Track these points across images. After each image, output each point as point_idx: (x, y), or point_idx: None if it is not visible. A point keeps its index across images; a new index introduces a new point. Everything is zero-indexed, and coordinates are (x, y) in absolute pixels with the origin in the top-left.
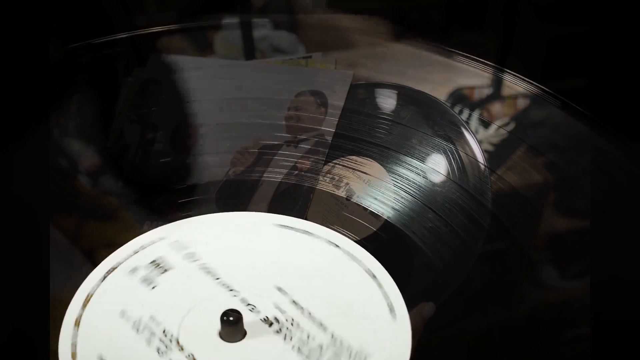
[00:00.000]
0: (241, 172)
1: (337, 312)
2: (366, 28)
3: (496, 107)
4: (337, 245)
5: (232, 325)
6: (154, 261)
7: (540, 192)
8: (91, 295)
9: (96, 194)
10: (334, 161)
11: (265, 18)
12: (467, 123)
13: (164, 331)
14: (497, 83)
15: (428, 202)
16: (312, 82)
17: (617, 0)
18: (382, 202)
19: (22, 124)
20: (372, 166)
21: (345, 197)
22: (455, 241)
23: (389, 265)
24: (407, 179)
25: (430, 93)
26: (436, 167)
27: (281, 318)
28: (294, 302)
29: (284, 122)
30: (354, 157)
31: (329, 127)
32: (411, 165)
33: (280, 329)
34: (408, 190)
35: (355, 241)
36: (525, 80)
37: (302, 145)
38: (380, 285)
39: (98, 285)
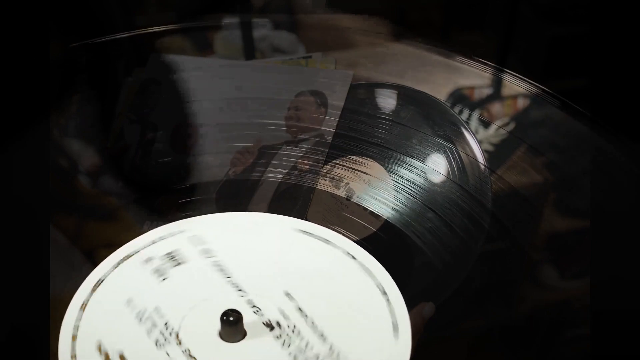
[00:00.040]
0: (241, 172)
1: (340, 325)
2: (366, 28)
3: (496, 107)
4: (353, 257)
5: (231, 326)
6: (169, 253)
7: (540, 192)
8: (102, 281)
9: (96, 194)
10: (334, 161)
11: (265, 18)
12: (467, 123)
13: (165, 324)
14: (497, 83)
15: (428, 202)
16: (312, 82)
17: (617, 0)
18: (382, 202)
19: (22, 124)
20: (372, 166)
21: (345, 197)
22: (455, 241)
23: (389, 265)
24: (407, 179)
25: (430, 93)
26: (436, 167)
27: (283, 324)
28: (299, 309)
29: (284, 122)
30: (354, 157)
31: (329, 127)
32: (411, 165)
33: (280, 335)
34: (408, 190)
35: (355, 241)
36: (525, 80)
37: (302, 145)
38: (389, 302)
39: (111, 272)
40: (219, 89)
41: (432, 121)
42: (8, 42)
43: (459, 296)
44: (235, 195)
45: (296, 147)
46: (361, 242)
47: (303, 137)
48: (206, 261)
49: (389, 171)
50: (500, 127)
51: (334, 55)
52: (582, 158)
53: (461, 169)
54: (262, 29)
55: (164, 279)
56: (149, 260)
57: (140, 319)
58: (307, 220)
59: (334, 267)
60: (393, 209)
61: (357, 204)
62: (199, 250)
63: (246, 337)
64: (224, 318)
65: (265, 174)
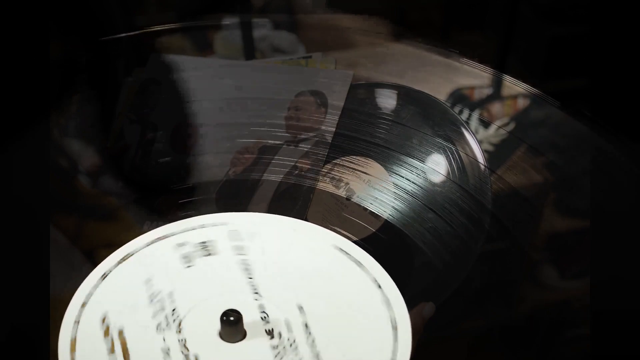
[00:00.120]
0: (241, 172)
1: (340, 349)
2: (366, 28)
3: (496, 107)
4: (379, 286)
5: (230, 326)
6: (203, 242)
7: (540, 192)
8: (130, 255)
9: (96, 194)
10: (334, 161)
11: (265, 18)
12: (467, 123)
13: (173, 310)
14: (497, 83)
15: (428, 202)
16: (312, 82)
17: (617, 0)
18: (382, 202)
19: (22, 124)
20: (372, 166)
21: (345, 197)
22: (455, 241)
23: (389, 265)
24: (407, 179)
25: (430, 93)
26: (436, 167)
27: (284, 335)
28: (306, 325)
29: (284, 122)
30: (354, 157)
31: (329, 127)
32: (411, 165)
33: (277, 345)
34: (408, 190)
35: (354, 241)
36: (525, 80)
37: (302, 145)
38: (395, 338)
39: (141, 249)
40: (219, 89)
41: (432, 121)
42: (8, 42)
43: (459, 296)
44: (235, 195)
45: (296, 147)
46: (361, 243)
47: (303, 137)
48: (235, 258)
49: (389, 171)
50: (500, 127)
51: (334, 55)
52: (582, 158)
53: (461, 169)
54: (262, 29)
55: (188, 266)
56: (182, 244)
57: (152, 300)
58: (306, 220)
59: (357, 295)
60: (393, 209)
61: (357, 204)
62: (233, 246)
63: (245, 339)
64: (224, 318)
65: (265, 174)
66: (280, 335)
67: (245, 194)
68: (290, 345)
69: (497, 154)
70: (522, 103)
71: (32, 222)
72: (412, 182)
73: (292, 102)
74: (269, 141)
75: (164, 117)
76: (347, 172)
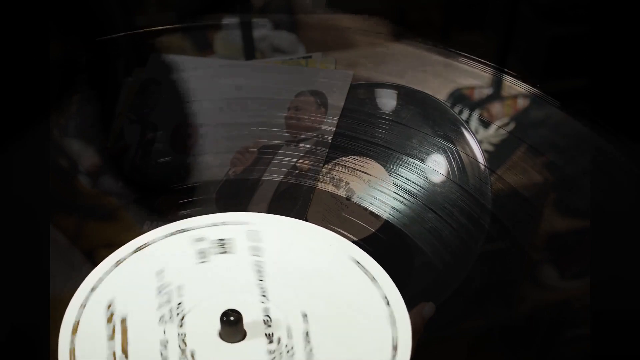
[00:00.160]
0: (241, 172)
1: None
2: (366, 28)
3: (496, 107)
4: (388, 303)
5: (230, 326)
6: (221, 239)
7: (540, 192)
8: (147, 245)
9: (96, 194)
10: (334, 161)
11: (265, 18)
12: (467, 123)
13: (179, 304)
14: (497, 83)
15: (428, 202)
16: (312, 82)
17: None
18: (382, 202)
19: (22, 124)
20: (372, 166)
21: (345, 197)
22: (455, 241)
23: (389, 265)
24: (407, 179)
25: (430, 93)
26: (436, 167)
27: (283, 342)
28: (306, 334)
29: (284, 122)
30: (354, 157)
31: (329, 127)
32: (411, 165)
33: (274, 350)
34: (408, 190)
35: (354, 242)
36: (525, 80)
37: (302, 145)
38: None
39: (159, 239)
40: (219, 89)
41: (432, 121)
42: (8, 42)
43: (459, 296)
44: (235, 195)
45: (296, 147)
46: (360, 243)
47: (303, 137)
48: (250, 258)
49: (389, 171)
50: (500, 127)
51: (334, 55)
52: (582, 158)
53: (461, 169)
54: (262, 29)
55: (202, 262)
56: (200, 239)
57: (160, 292)
58: (306, 220)
59: (364, 311)
60: (393, 208)
61: (357, 204)
62: (250, 246)
63: (244, 340)
64: (224, 318)
65: (265, 174)
66: (279, 340)
67: (245, 194)
68: (287, 352)
69: (497, 154)
70: (522, 103)
71: (32, 222)
72: (412, 182)
73: (292, 102)
74: (269, 141)
75: (164, 117)
76: (347, 172)
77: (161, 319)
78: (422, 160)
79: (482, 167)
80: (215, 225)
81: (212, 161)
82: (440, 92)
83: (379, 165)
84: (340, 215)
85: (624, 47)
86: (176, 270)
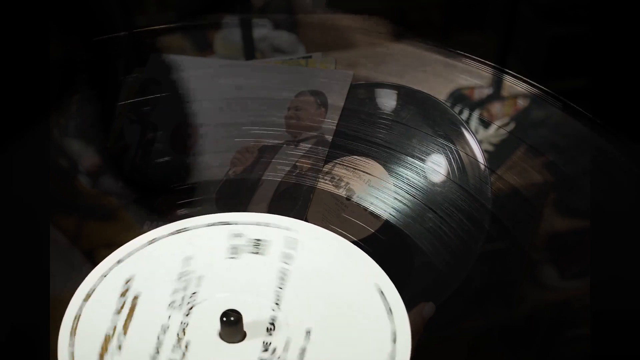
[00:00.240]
0: (241, 172)
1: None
2: (366, 28)
3: (496, 107)
4: (395, 341)
5: (229, 326)
6: (258, 240)
7: (540, 192)
8: (185, 230)
9: (96, 194)
10: (334, 161)
11: (265, 18)
12: (467, 123)
13: (193, 294)
14: (497, 83)
15: (428, 202)
16: (312, 82)
17: (617, 0)
18: (382, 202)
19: (22, 124)
20: (372, 166)
21: (345, 197)
22: (455, 241)
23: (389, 265)
24: (407, 179)
25: (430, 93)
26: (436, 167)
27: (277, 353)
28: (303, 350)
29: (284, 122)
30: (354, 157)
31: (329, 127)
32: (411, 165)
33: (265, 359)
34: (408, 190)
35: (353, 242)
36: (525, 80)
37: (302, 145)
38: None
39: (199, 227)
40: (219, 89)
41: (432, 121)
42: (8, 42)
43: (459, 296)
44: (235, 195)
45: (296, 147)
46: (360, 243)
47: (303, 137)
48: (279, 264)
49: (389, 171)
50: (500, 127)
51: (334, 55)
52: (582, 158)
53: (461, 169)
54: (262, 29)
55: (232, 258)
56: (238, 235)
57: (180, 278)
58: (306, 220)
59: (368, 341)
60: (393, 209)
61: (357, 204)
62: (283, 253)
63: (241, 342)
64: (223, 318)
65: (265, 174)
66: (274, 350)
67: (245, 194)
68: None
69: (497, 154)
70: (522, 103)
71: (32, 222)
72: (412, 182)
73: (292, 102)
74: (269, 141)
75: (164, 117)
76: (347, 172)
77: (171, 304)
78: (422, 160)
79: (482, 167)
80: (258, 224)
81: (212, 161)
82: (440, 92)
83: (379, 165)
84: (340, 215)
85: (624, 47)
86: (203, 261)
